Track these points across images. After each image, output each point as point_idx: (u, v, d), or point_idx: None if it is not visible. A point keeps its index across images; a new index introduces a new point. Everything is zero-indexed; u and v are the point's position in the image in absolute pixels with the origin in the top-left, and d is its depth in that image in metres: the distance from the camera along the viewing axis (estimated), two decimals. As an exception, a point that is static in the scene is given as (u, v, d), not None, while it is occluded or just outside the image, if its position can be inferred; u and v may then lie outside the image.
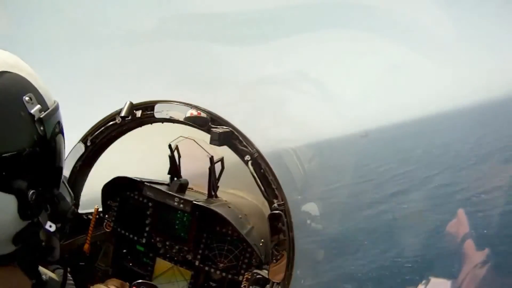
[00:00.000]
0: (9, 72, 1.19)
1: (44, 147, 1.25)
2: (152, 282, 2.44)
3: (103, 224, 2.93)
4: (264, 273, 2.49)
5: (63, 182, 1.47)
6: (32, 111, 1.21)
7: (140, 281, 2.26)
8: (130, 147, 3.08)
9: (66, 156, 2.87)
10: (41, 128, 1.23)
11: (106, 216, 2.94)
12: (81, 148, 2.86)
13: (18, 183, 1.17)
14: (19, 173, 1.17)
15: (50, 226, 1.35)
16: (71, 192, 1.55)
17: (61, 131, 1.39)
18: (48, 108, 1.30)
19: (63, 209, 1.43)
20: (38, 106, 1.24)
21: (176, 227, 2.74)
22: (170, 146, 2.79)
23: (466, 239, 2.54)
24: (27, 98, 1.20)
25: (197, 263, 2.72)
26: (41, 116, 1.23)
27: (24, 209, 1.21)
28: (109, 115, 2.83)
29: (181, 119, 2.61)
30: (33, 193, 1.21)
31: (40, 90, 1.28)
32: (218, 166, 2.85)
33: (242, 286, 2.56)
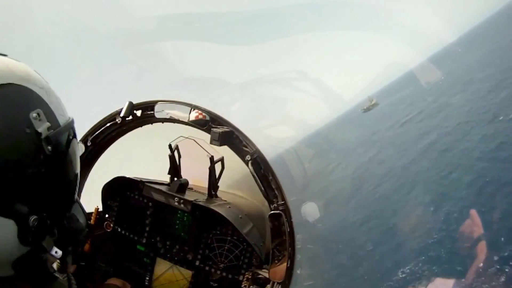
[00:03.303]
0: (16, 84, 1.09)
1: (51, 168, 1.14)
2: None
3: (104, 224, 2.93)
4: (264, 273, 2.49)
5: (76, 201, 1.37)
6: (39, 129, 1.10)
7: None
8: (130, 147, 3.08)
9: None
10: (49, 147, 1.12)
11: (106, 216, 2.94)
12: (81, 148, 2.85)
13: (18, 207, 1.06)
14: (20, 196, 1.06)
15: (56, 252, 1.22)
16: (85, 212, 1.45)
17: (75, 151, 1.30)
18: (59, 126, 1.19)
19: (75, 231, 1.34)
20: (47, 123, 1.13)
21: (176, 227, 2.73)
22: (170, 146, 2.78)
23: (480, 241, 2.50)
24: (34, 115, 1.10)
25: (197, 263, 2.72)
26: (49, 135, 1.12)
27: (24, 235, 1.10)
28: (109, 115, 2.82)
29: (182, 119, 2.61)
30: (35, 219, 1.10)
31: (51, 106, 1.18)
32: (218, 166, 2.85)
33: (242, 286, 2.56)
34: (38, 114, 1.11)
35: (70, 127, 1.25)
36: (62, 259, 1.41)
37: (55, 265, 1.56)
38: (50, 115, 1.16)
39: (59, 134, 1.17)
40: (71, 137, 1.24)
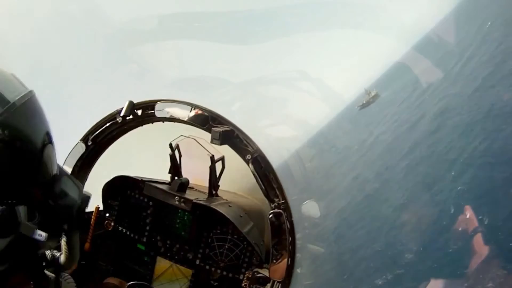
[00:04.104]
0: None
1: (11, 153, 1.06)
2: (145, 283, 2.43)
3: (104, 223, 2.93)
4: (264, 272, 2.49)
5: (67, 176, 1.33)
6: None
7: (133, 282, 2.25)
8: (131, 146, 3.08)
9: (65, 157, 2.81)
10: (5, 132, 1.03)
11: (107, 215, 2.94)
12: (82, 148, 2.86)
13: None
14: None
15: (40, 235, 1.19)
16: (78, 184, 1.39)
17: (50, 156, 1.23)
18: (14, 106, 1.08)
19: (66, 207, 1.30)
20: None
21: (177, 226, 2.74)
22: (171, 145, 2.79)
23: (475, 234, 2.50)
24: None
25: (197, 262, 2.72)
26: (1, 120, 1.03)
27: None
28: (110, 114, 2.83)
29: (182, 118, 2.61)
30: None
31: None
32: (219, 165, 2.85)
33: (242, 284, 2.57)
34: None
35: (27, 108, 1.14)
36: (68, 241, 1.35)
37: (62, 257, 1.48)
38: None
39: (12, 117, 1.07)
40: (46, 142, 1.19)
